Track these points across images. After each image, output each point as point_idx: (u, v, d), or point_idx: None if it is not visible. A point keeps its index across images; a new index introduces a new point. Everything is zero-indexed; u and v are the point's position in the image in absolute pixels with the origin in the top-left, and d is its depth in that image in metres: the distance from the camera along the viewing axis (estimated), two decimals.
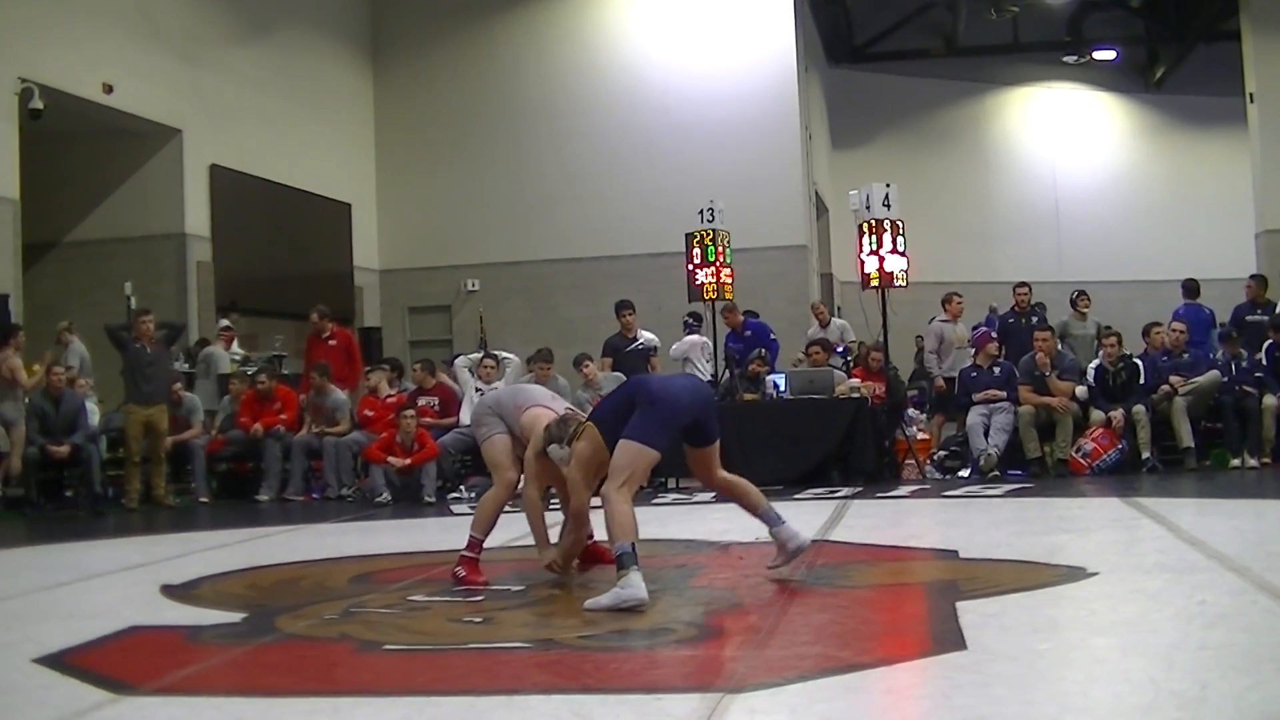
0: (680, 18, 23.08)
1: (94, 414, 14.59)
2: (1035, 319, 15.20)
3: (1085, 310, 15.65)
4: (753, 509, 6.88)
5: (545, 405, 7.33)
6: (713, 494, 12.49)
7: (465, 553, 7.11)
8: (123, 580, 8.25)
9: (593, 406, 7.20)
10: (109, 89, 17.26)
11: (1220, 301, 16.44)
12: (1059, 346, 14.11)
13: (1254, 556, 6.71)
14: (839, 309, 24.90)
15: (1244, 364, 13.59)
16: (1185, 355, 13.80)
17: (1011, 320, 15.48)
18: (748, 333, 16.25)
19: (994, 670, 4.45)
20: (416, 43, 24.00)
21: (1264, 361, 13.66)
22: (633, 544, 6.15)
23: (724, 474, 6.91)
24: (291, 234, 21.20)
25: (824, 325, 17.18)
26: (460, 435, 13.99)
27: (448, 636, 5.69)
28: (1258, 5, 22.44)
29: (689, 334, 16.66)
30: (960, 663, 4.62)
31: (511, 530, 9.48)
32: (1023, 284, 15.91)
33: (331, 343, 16.23)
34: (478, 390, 14.11)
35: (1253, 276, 15.56)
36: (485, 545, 7.25)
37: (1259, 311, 14.99)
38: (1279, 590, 5.67)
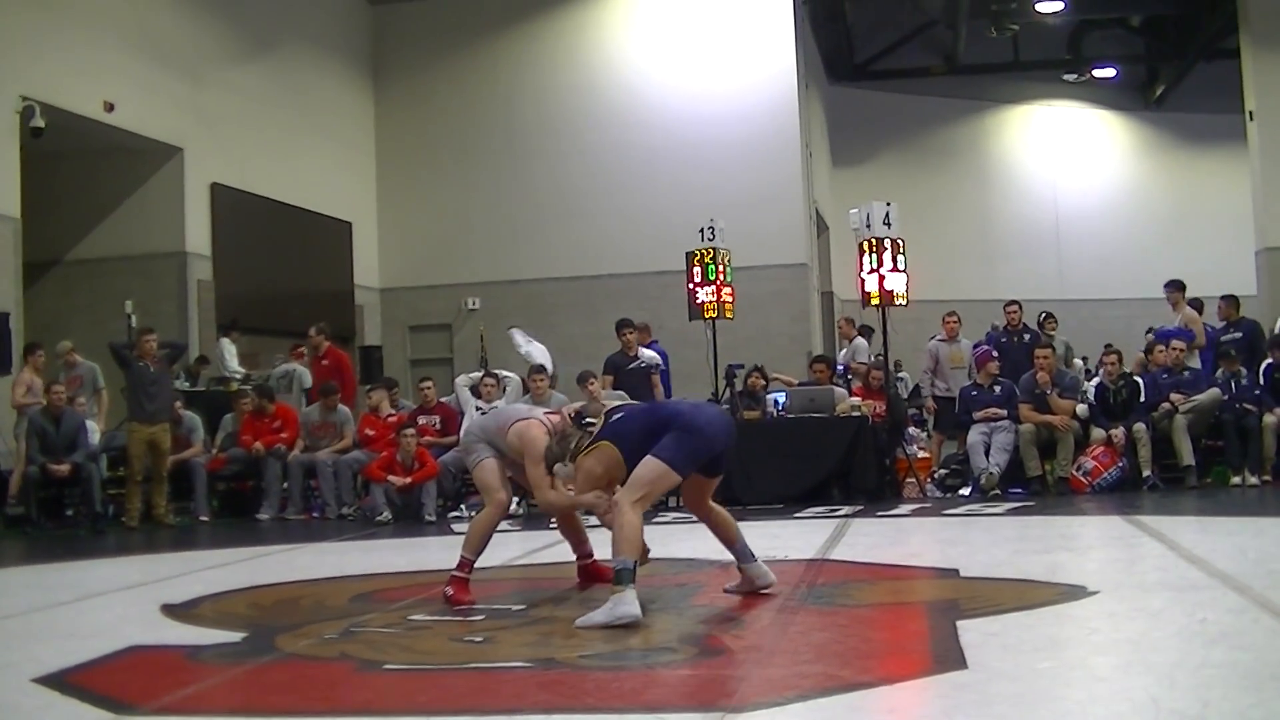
0: (680, 36, 23.13)
1: (94, 433, 14.59)
2: (1028, 337, 15.20)
3: (1053, 332, 15.69)
4: (729, 542, 6.90)
5: (524, 417, 7.29)
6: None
7: (456, 573, 7.08)
8: (123, 599, 8.23)
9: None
10: (110, 107, 17.30)
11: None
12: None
13: (1255, 574, 6.70)
14: (839, 327, 24.89)
15: (1244, 381, 13.60)
16: (1185, 373, 13.81)
17: (1005, 339, 15.42)
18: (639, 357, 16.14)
19: (995, 689, 4.44)
20: (417, 61, 24.06)
21: (1262, 381, 13.66)
22: (635, 562, 6.13)
23: (712, 503, 6.93)
24: (292, 252, 21.22)
25: (849, 341, 17.25)
26: (460, 454, 13.99)
27: (448, 656, 5.68)
28: (1257, 23, 22.47)
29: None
30: (961, 682, 4.61)
31: (512, 549, 9.50)
32: (1013, 302, 15.87)
33: (324, 362, 16.31)
34: (478, 409, 14.12)
35: (1223, 298, 15.66)
36: (484, 564, 7.23)
37: (1232, 330, 15.08)
38: None
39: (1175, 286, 15.74)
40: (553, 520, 7.61)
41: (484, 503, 7.42)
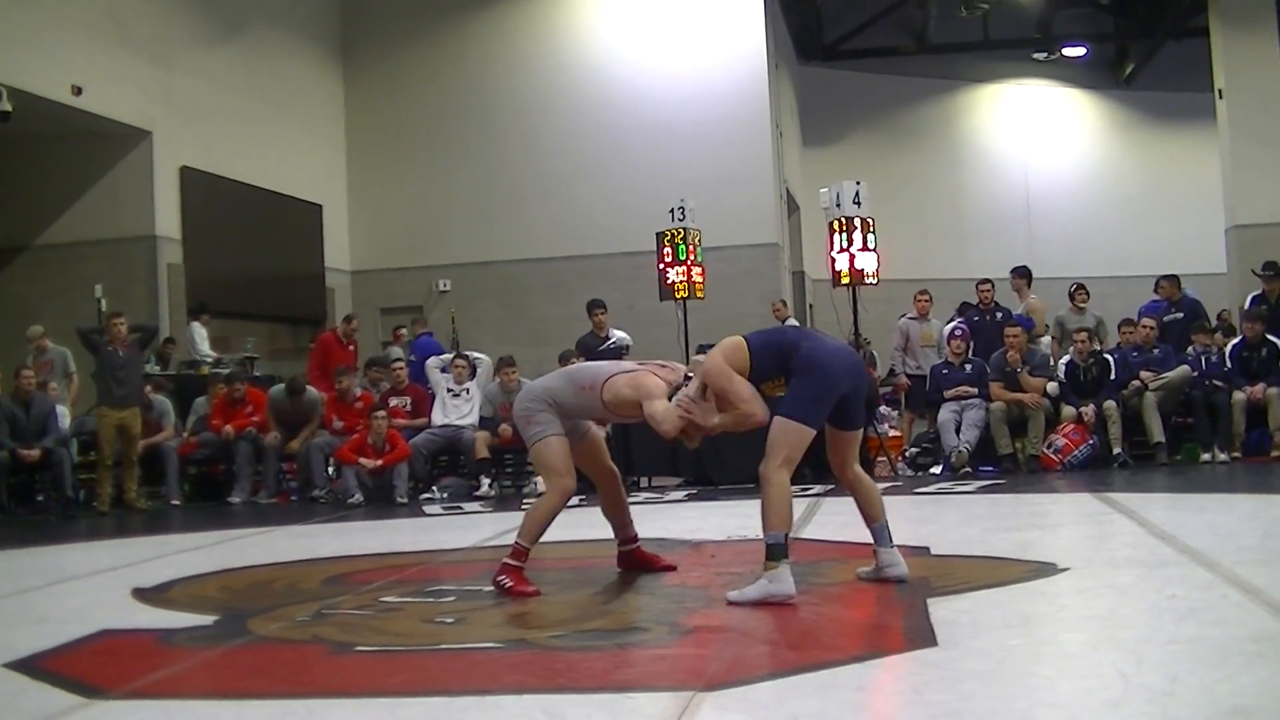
0: (650, 17, 23.07)
1: (65, 417, 14.53)
2: (1000, 315, 15.19)
3: (1084, 305, 15.57)
4: (870, 519, 6.42)
5: (621, 371, 6.69)
6: (686, 493, 12.56)
7: (510, 560, 6.62)
8: (94, 584, 8.20)
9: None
10: (78, 91, 17.18)
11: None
12: (1051, 344, 14.25)
13: (1224, 550, 6.74)
14: (810, 307, 24.95)
15: (1214, 358, 13.68)
16: (1156, 350, 13.88)
17: (976, 318, 15.38)
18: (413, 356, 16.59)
19: (965, 666, 4.46)
20: (387, 43, 23.94)
21: (1229, 362, 13.69)
22: (786, 535, 5.90)
23: (858, 469, 6.47)
24: (263, 236, 21.11)
25: (782, 322, 17.26)
26: (432, 436, 13.99)
27: (420, 637, 5.68)
28: (1226, 2, 22.56)
29: None
30: (932, 659, 4.63)
31: (484, 530, 9.48)
32: (985, 281, 15.80)
33: (351, 348, 16.62)
34: (449, 390, 14.11)
35: (1164, 277, 15.78)
36: (455, 545, 7.20)
37: (1173, 310, 15.19)
38: (1249, 584, 5.69)
39: (1019, 273, 15.83)
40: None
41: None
